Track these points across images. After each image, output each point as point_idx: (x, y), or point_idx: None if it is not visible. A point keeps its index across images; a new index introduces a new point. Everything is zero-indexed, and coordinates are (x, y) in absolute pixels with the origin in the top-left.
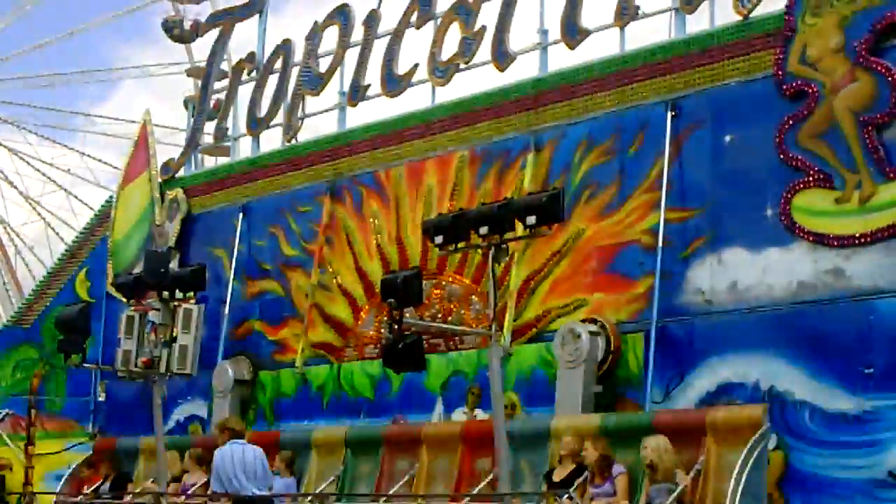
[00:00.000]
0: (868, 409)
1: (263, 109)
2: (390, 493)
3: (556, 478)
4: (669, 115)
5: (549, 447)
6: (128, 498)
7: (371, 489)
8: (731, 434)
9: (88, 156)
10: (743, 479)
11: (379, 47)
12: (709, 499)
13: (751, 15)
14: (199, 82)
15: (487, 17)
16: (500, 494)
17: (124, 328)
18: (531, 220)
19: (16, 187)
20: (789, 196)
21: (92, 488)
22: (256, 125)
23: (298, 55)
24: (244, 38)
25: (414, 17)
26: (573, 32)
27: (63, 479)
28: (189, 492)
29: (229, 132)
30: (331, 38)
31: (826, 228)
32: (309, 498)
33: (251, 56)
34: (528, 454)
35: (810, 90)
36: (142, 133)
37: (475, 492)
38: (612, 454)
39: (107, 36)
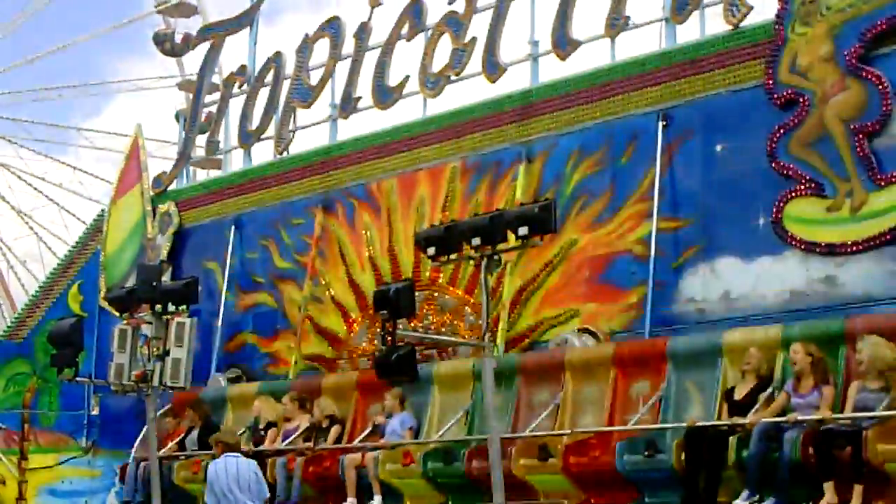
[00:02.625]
0: None
1: (255, 122)
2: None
3: (738, 395)
4: (660, 124)
5: (720, 364)
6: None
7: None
8: None
9: (80, 170)
10: None
11: (370, 59)
12: None
13: (741, 24)
14: (191, 95)
15: (478, 28)
16: None
17: (117, 342)
18: (523, 230)
19: (7, 202)
20: (781, 205)
21: (175, 441)
22: (248, 138)
23: (289, 68)
24: (235, 51)
25: (405, 30)
26: (563, 43)
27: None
28: (293, 436)
29: (221, 145)
30: (322, 50)
31: (818, 237)
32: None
33: (242, 69)
34: (695, 374)
35: (801, 99)
36: (133, 146)
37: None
38: (826, 359)
39: (99, 50)
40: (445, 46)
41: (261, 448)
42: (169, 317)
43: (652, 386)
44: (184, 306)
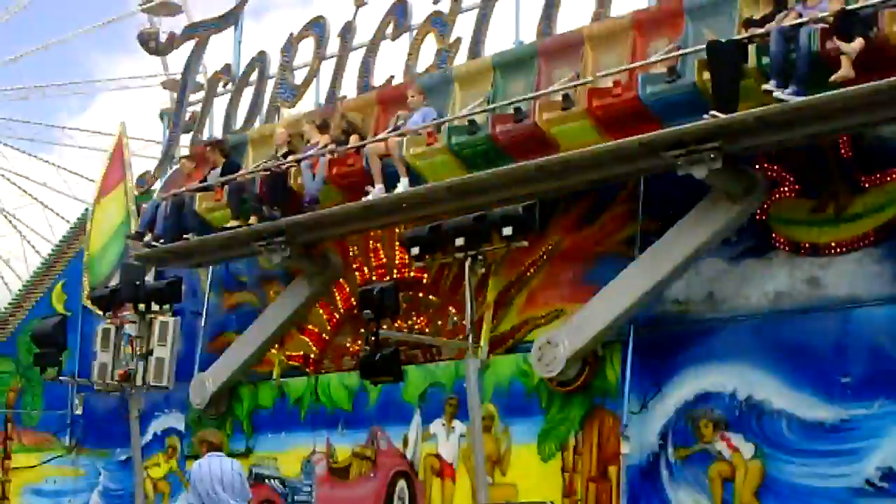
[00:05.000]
0: (845, 418)
1: (239, 121)
2: None
3: (756, 17)
4: None
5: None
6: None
7: None
8: None
9: (64, 168)
10: None
11: (354, 59)
12: None
13: None
14: (175, 94)
15: (463, 28)
16: None
17: (100, 341)
18: (508, 231)
19: None
20: (766, 206)
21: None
22: None
23: (274, 67)
24: (220, 50)
25: (390, 29)
26: None
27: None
28: (315, 150)
29: None
30: (306, 50)
31: (802, 238)
32: None
33: (227, 68)
34: (712, 22)
35: None
36: (117, 145)
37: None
38: None
39: (84, 48)
40: (430, 46)
41: (281, 163)
42: (152, 316)
43: (671, 42)
44: (167, 306)
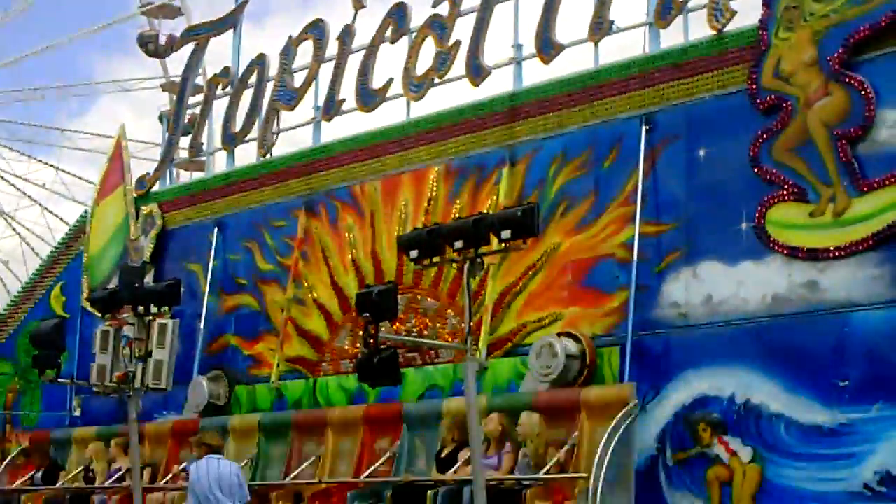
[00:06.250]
0: (843, 422)
1: (238, 124)
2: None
3: (443, 454)
4: (644, 129)
5: (439, 427)
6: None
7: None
8: (602, 411)
9: (63, 171)
10: (609, 451)
11: (354, 62)
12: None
13: (725, 29)
14: (174, 97)
15: (462, 31)
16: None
17: (99, 343)
18: (506, 234)
19: None
20: (764, 210)
21: (26, 477)
22: (231, 140)
23: (273, 70)
24: (219, 52)
25: (388, 32)
26: (547, 47)
27: None
28: (115, 476)
29: (204, 147)
30: (305, 52)
31: (800, 242)
32: None
33: (226, 71)
34: (423, 432)
35: (784, 104)
36: (116, 148)
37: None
38: (513, 432)
39: (83, 50)
40: (429, 49)
41: (89, 486)
42: (151, 318)
43: (391, 442)
44: (166, 308)
